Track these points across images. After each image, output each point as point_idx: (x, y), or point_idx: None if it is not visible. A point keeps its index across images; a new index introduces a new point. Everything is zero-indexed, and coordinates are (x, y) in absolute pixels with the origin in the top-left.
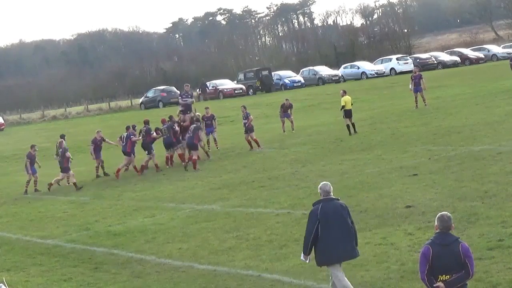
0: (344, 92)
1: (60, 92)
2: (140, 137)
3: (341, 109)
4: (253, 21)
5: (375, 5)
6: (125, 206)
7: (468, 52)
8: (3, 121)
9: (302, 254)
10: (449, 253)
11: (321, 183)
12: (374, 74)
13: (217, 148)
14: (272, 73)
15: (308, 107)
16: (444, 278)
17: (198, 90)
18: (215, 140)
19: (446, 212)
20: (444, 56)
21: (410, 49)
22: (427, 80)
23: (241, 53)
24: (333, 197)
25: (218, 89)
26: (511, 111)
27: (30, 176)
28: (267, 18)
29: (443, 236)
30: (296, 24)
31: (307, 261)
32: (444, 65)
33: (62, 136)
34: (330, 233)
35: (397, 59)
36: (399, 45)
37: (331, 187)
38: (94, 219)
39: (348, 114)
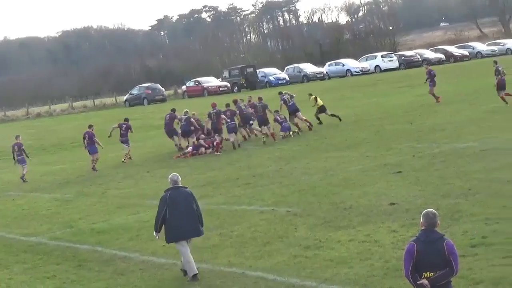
0: (310, 95)
1: (44, 89)
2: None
3: (318, 113)
4: (238, 18)
5: (360, 2)
6: (109, 204)
7: (453, 49)
8: None
9: (154, 232)
10: (434, 250)
11: (171, 174)
12: (359, 72)
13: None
14: (257, 70)
15: None
16: (428, 275)
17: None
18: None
19: (432, 209)
20: (429, 54)
21: (395, 46)
22: (412, 77)
23: (226, 50)
24: (181, 185)
25: (203, 86)
26: (495, 109)
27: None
28: (252, 15)
29: (428, 233)
30: (281, 22)
31: (157, 238)
32: (429, 62)
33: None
34: (176, 216)
35: (382, 56)
36: (384, 42)
37: (179, 177)
38: (78, 216)
39: (323, 109)
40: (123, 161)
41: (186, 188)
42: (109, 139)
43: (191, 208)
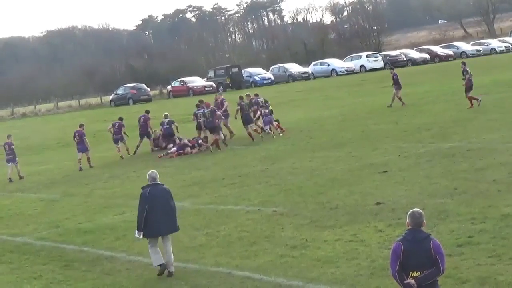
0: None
1: (29, 89)
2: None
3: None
4: (223, 18)
5: (345, 2)
6: (95, 204)
7: (438, 49)
8: None
9: (136, 232)
10: (420, 250)
11: (149, 171)
12: (344, 71)
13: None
14: (242, 70)
15: (278, 104)
16: (415, 275)
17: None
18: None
19: (418, 209)
20: (414, 53)
21: (380, 46)
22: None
23: (211, 50)
24: (159, 182)
25: (188, 86)
26: (480, 109)
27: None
28: (237, 15)
29: (414, 233)
30: (266, 22)
31: (141, 237)
32: (414, 62)
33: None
34: (154, 212)
35: (367, 56)
36: (369, 42)
37: (157, 174)
38: (64, 216)
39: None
40: (122, 157)
41: (163, 185)
42: (94, 139)
43: (169, 205)
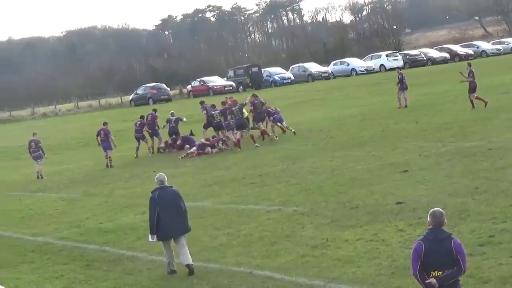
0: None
1: (49, 89)
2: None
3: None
4: (242, 18)
5: (364, 1)
6: (116, 203)
7: (458, 48)
8: None
9: (150, 236)
10: (441, 249)
11: (157, 175)
12: (363, 71)
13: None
14: (262, 70)
15: (298, 103)
16: (436, 274)
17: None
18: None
19: (439, 208)
20: (434, 53)
21: (399, 45)
22: (417, 76)
23: (231, 50)
24: (168, 185)
25: (208, 86)
26: (500, 108)
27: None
28: (256, 15)
29: (435, 232)
30: (285, 21)
31: (154, 240)
32: (434, 61)
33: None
34: (165, 215)
35: (386, 55)
36: (389, 41)
37: (165, 177)
38: (85, 216)
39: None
40: (137, 156)
41: (172, 187)
42: (114, 138)
43: (179, 206)
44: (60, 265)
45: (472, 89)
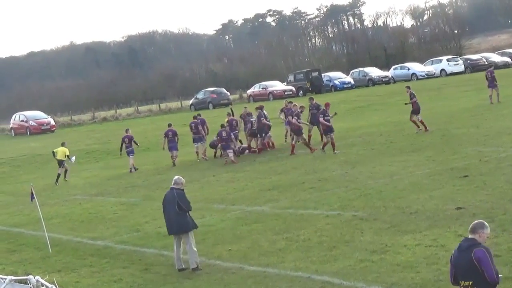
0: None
1: (110, 93)
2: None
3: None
4: (303, 22)
5: (425, 6)
6: None
7: None
8: (54, 123)
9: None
10: (463, 259)
11: (175, 177)
12: (424, 75)
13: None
14: (322, 74)
15: (358, 108)
16: (464, 284)
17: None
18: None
19: (482, 220)
20: (495, 57)
21: (460, 50)
22: (478, 81)
23: (291, 54)
24: (174, 186)
25: (268, 90)
26: None
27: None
28: (317, 19)
29: (464, 241)
30: (346, 25)
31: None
32: (495, 66)
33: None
34: (167, 213)
35: (447, 60)
36: (450, 46)
37: (181, 179)
38: (144, 220)
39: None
40: (203, 158)
41: (179, 189)
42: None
43: (173, 208)
44: (119, 269)
45: (416, 110)
